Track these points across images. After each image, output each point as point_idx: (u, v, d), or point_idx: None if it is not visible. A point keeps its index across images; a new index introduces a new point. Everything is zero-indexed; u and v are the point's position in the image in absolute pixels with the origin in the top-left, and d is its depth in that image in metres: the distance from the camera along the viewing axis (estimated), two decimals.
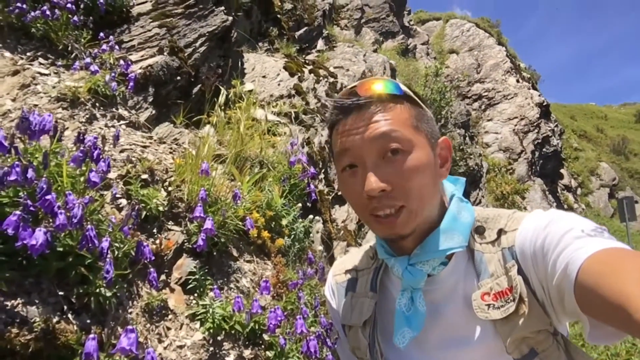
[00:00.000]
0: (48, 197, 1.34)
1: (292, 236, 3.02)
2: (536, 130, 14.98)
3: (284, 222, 2.96)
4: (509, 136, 14.94)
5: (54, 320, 1.32)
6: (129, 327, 1.14)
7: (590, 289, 0.64)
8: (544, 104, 15.44)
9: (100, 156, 1.69)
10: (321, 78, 5.50)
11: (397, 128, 0.82)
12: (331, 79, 5.69)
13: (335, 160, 0.93)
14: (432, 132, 0.88)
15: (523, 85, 16.22)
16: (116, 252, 1.55)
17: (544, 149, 15.16)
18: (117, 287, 1.53)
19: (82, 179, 1.65)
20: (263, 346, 2.02)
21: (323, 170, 4.42)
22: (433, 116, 0.93)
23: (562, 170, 16.89)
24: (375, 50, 8.96)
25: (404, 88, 0.88)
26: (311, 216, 3.35)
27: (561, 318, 0.83)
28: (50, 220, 1.34)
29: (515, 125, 15.20)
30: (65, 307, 1.38)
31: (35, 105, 2.54)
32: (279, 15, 6.59)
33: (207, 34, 4.06)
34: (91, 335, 1.17)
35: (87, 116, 2.75)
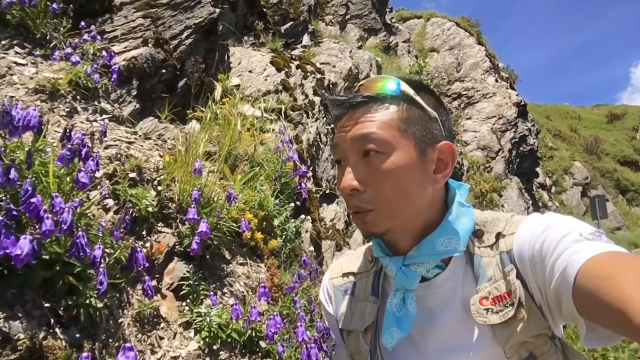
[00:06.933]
0: (33, 200, 1.21)
1: (284, 236, 2.93)
2: (513, 130, 15.20)
3: (276, 222, 2.87)
4: (487, 135, 15.13)
5: (40, 335, 1.20)
6: (127, 344, 1.04)
7: (588, 293, 0.64)
8: (522, 103, 15.68)
9: (89, 154, 1.56)
10: (308, 74, 5.39)
11: (377, 130, 0.81)
12: (318, 75, 5.59)
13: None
14: (425, 135, 0.85)
15: (501, 84, 16.43)
16: (107, 259, 1.43)
17: (520, 148, 15.39)
18: (107, 296, 1.42)
19: (68, 178, 1.52)
20: (260, 354, 1.93)
21: (311, 168, 4.33)
22: (442, 118, 0.89)
23: (537, 169, 17.22)
24: (360, 47, 8.89)
25: (403, 88, 0.85)
26: (303, 216, 3.26)
27: (558, 321, 0.82)
28: (36, 225, 1.22)
29: (494, 124, 15.39)
30: (52, 321, 1.26)
31: (12, 97, 2.37)
32: (264, 9, 6.43)
33: (193, 26, 3.90)
34: (84, 354, 1.06)
35: (68, 109, 2.59)
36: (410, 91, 0.86)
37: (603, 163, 27.07)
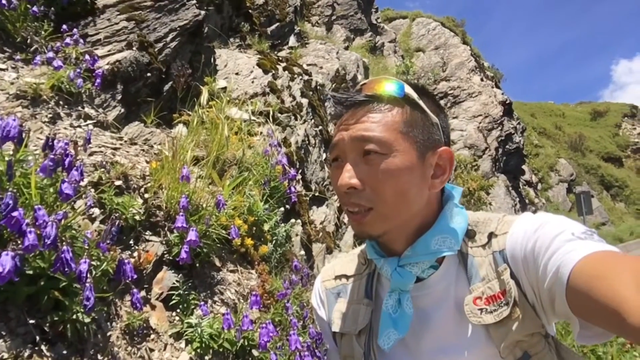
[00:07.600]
0: (15, 214, 1.17)
1: (274, 241, 2.90)
2: (500, 128, 15.36)
3: (266, 227, 2.84)
4: (474, 133, 15.25)
5: (26, 354, 1.16)
6: None
7: (582, 293, 0.65)
8: (507, 102, 15.84)
9: (72, 163, 1.51)
10: (296, 76, 5.35)
11: (378, 130, 0.81)
12: (306, 77, 5.56)
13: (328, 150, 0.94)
14: (426, 140, 0.85)
15: (487, 83, 16.58)
16: (94, 272, 1.38)
17: (507, 146, 15.56)
18: (95, 310, 1.38)
19: (51, 189, 1.47)
20: None
21: (300, 171, 4.30)
22: (442, 124, 0.90)
23: (523, 167, 17.42)
24: (346, 48, 8.89)
25: (407, 91, 0.86)
26: (293, 220, 3.24)
27: (551, 319, 0.82)
28: (18, 240, 1.18)
29: (480, 122, 15.52)
30: (37, 338, 1.22)
31: None
32: (250, 11, 6.38)
33: (178, 29, 3.85)
34: None
35: (51, 115, 2.52)
36: (413, 95, 0.86)
37: (587, 160, 27.53)
